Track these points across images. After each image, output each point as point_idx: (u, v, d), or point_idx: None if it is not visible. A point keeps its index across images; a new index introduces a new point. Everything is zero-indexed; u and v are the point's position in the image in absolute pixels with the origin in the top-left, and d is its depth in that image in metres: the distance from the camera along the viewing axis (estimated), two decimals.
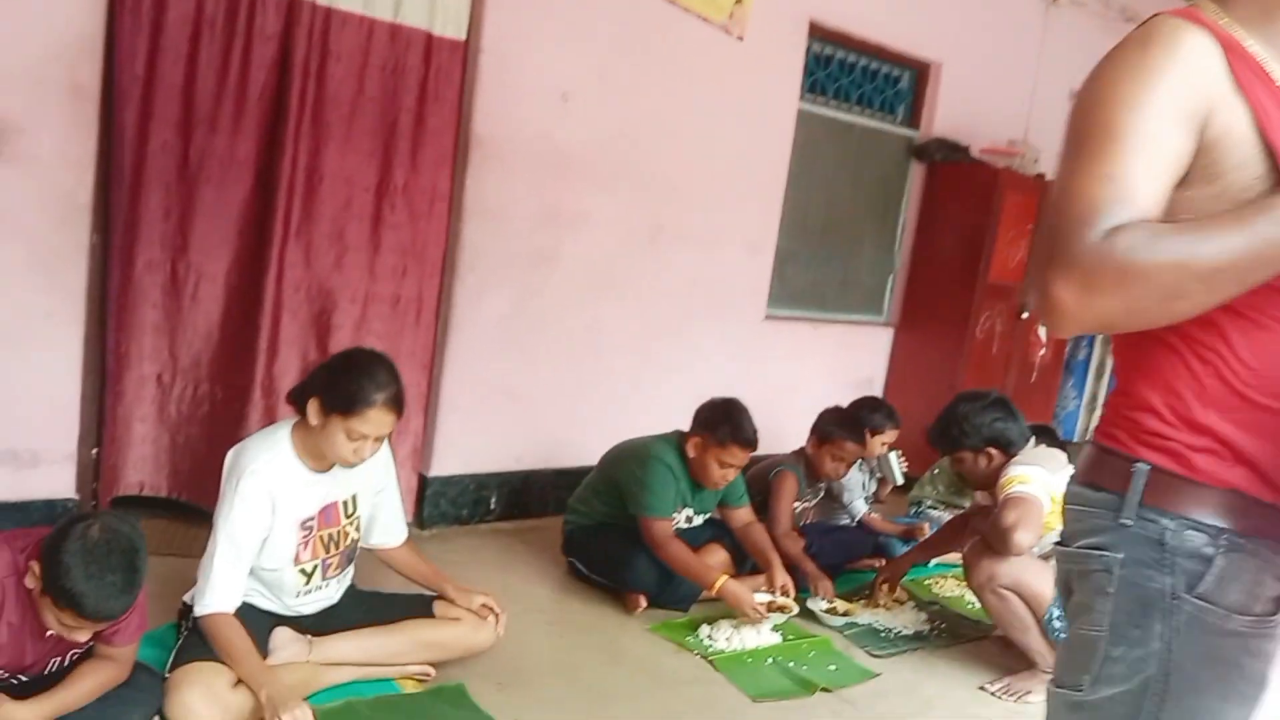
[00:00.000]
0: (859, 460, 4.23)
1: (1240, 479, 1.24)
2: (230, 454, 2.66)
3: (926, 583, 4.27)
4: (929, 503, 4.90)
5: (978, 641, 3.74)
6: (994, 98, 6.09)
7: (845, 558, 4.22)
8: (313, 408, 2.55)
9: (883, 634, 3.67)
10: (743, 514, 3.78)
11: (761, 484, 3.99)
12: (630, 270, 4.63)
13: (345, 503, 2.79)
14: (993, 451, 3.44)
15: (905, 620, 3.79)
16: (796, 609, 3.50)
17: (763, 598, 3.45)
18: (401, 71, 3.79)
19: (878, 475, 4.53)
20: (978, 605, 3.84)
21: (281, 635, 2.69)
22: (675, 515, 3.63)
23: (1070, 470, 3.34)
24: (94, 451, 3.51)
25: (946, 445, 3.53)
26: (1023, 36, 6.17)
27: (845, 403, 4.37)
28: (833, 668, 3.33)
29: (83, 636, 2.12)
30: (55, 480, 3.35)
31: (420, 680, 2.87)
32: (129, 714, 2.35)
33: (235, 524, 2.54)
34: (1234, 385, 1.23)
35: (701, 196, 4.80)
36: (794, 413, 4.62)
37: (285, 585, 2.71)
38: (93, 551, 2.00)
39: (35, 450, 3.28)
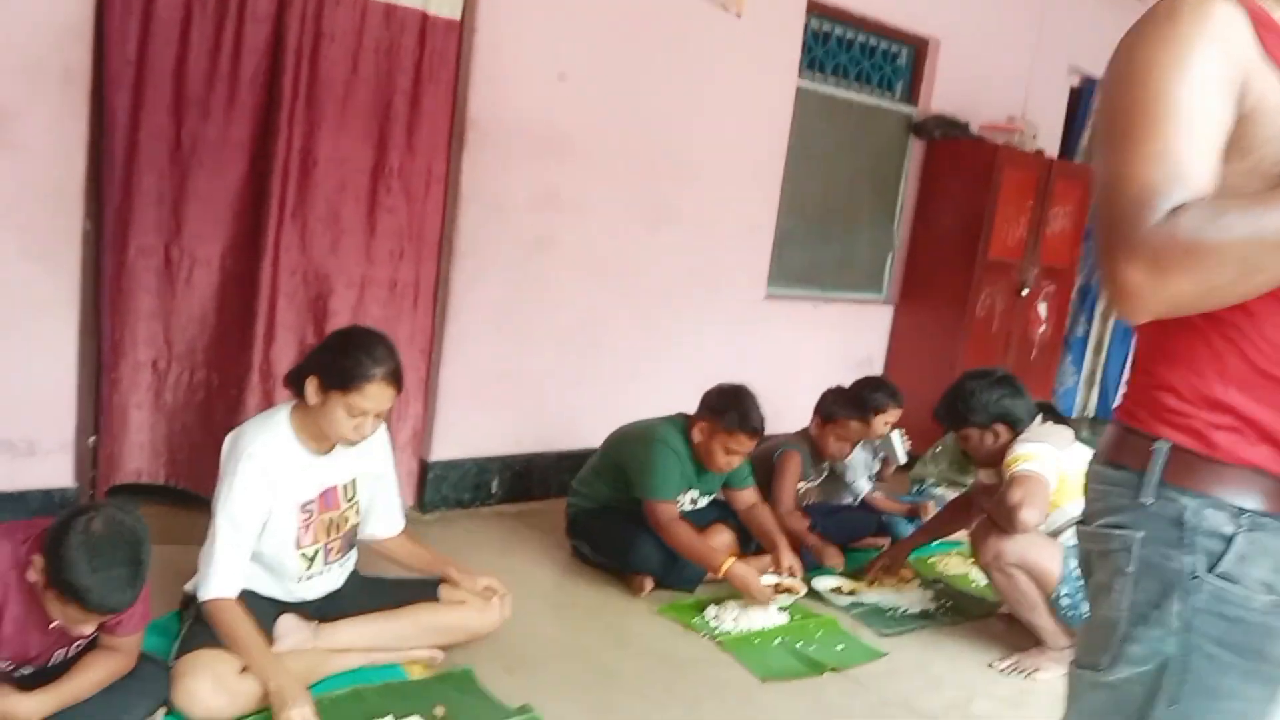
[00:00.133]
0: (862, 440, 4.20)
1: (1262, 458, 1.23)
2: (228, 438, 2.64)
3: (931, 561, 4.26)
4: (931, 481, 4.89)
5: (984, 619, 3.74)
6: (993, 74, 6.06)
7: (849, 537, 4.20)
8: (311, 386, 2.53)
9: (889, 613, 3.66)
10: (748, 495, 3.76)
11: (765, 465, 3.97)
12: (629, 252, 4.59)
13: (345, 486, 2.76)
14: (999, 428, 3.41)
15: (911, 599, 3.77)
16: (804, 590, 3.49)
17: (770, 580, 3.44)
18: (396, 52, 3.74)
19: (881, 455, 4.51)
20: (983, 583, 3.85)
21: (286, 622, 2.67)
22: (680, 498, 3.61)
23: (1077, 446, 3.36)
24: (91, 440, 3.47)
25: (953, 422, 3.50)
26: (1021, 12, 6.13)
27: (845, 381, 4.34)
28: (840, 648, 3.32)
29: (88, 629, 2.10)
30: (53, 470, 3.31)
31: (427, 665, 2.85)
32: (136, 704, 2.33)
33: (235, 506, 2.51)
34: (1257, 363, 1.21)
35: (700, 176, 4.76)
36: (795, 392, 4.60)
37: (287, 570, 2.68)
38: (97, 544, 1.98)
39: (32, 440, 3.25)
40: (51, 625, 2.09)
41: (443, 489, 4.22)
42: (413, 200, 3.89)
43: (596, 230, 4.44)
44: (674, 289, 4.80)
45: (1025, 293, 6.01)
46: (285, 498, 2.61)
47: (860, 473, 4.41)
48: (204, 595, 2.50)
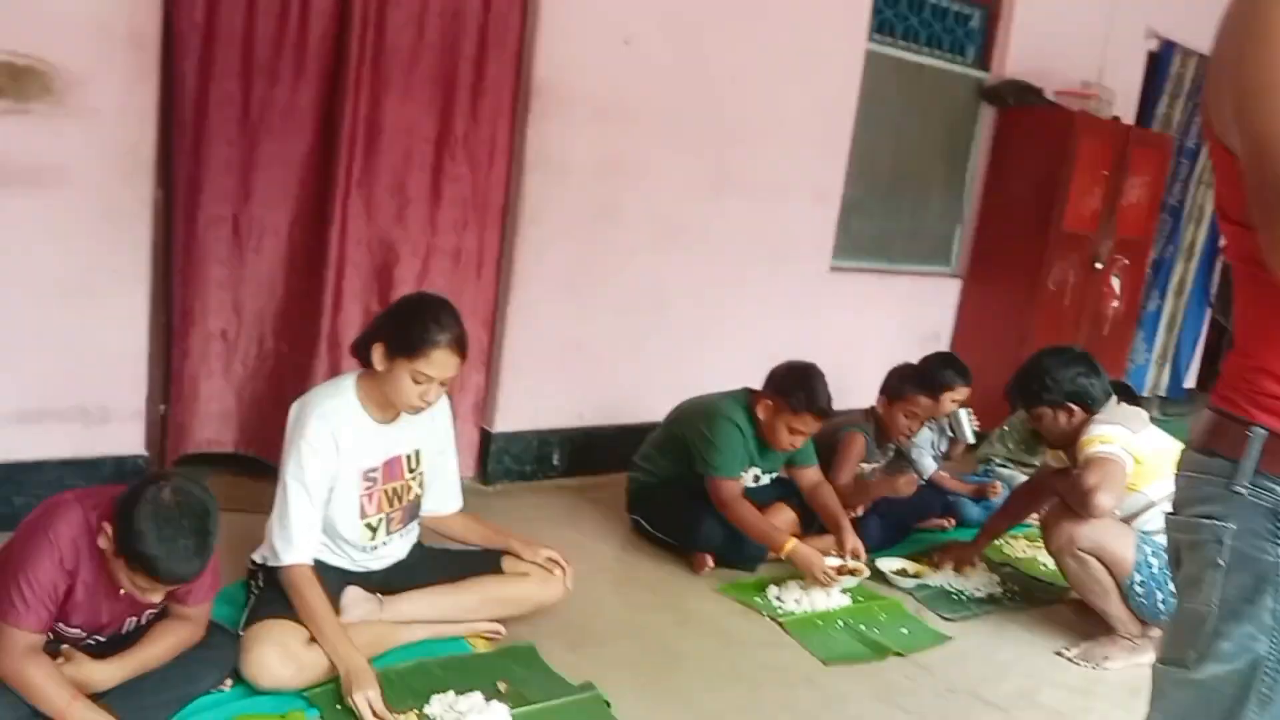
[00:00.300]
0: (930, 418, 4.12)
1: None
2: (295, 406, 2.65)
3: (998, 543, 4.17)
4: (998, 461, 4.80)
5: (1052, 604, 3.66)
6: (1068, 37, 5.86)
7: (914, 517, 4.14)
8: (378, 353, 2.53)
9: (954, 596, 3.59)
10: (811, 474, 3.70)
11: (828, 445, 3.90)
12: (693, 221, 4.53)
13: (409, 457, 2.76)
14: (1074, 408, 3.32)
15: (977, 582, 3.70)
16: (867, 573, 3.44)
17: (833, 562, 3.39)
18: (461, 17, 3.70)
19: (948, 434, 4.42)
20: (1050, 567, 3.76)
21: (353, 594, 2.69)
22: (743, 475, 3.57)
23: (1152, 429, 3.26)
24: (161, 408, 3.52)
25: (1026, 400, 3.41)
26: None
27: (911, 357, 4.26)
28: (905, 631, 3.27)
29: (156, 598, 2.12)
30: (124, 437, 3.35)
31: (491, 639, 2.85)
32: (204, 673, 2.36)
33: (305, 469, 2.53)
34: None
35: (766, 143, 4.67)
36: (858, 367, 4.53)
37: (351, 540, 2.69)
38: (165, 515, 1.99)
39: (105, 406, 3.29)
40: (121, 591, 2.11)
41: (505, 461, 4.22)
42: (477, 168, 3.86)
43: (661, 198, 4.39)
44: (738, 259, 4.73)
45: (1099, 266, 5.84)
46: (350, 464, 2.61)
47: (925, 451, 4.33)
48: (283, 561, 2.51)
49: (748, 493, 3.57)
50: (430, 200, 3.79)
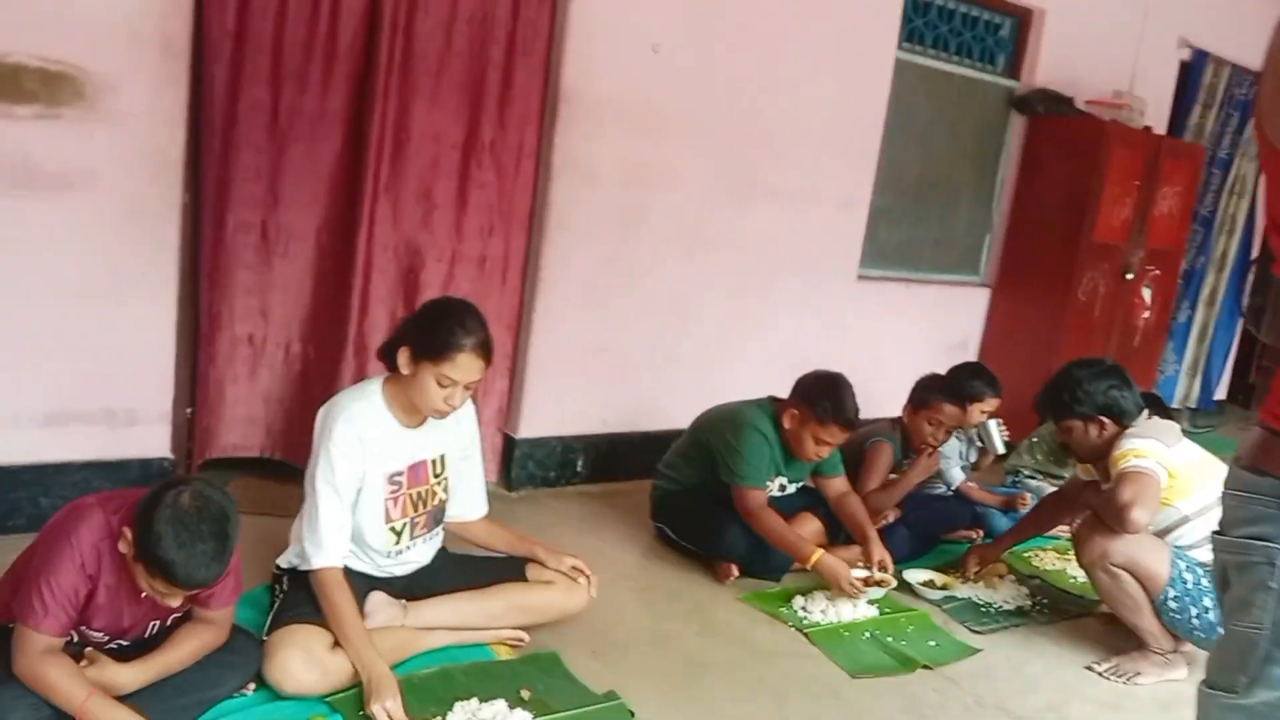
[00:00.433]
0: (957, 428, 4.07)
1: None
2: (322, 410, 2.64)
3: (1027, 555, 4.13)
4: (1027, 472, 4.74)
5: (1081, 618, 3.61)
6: (1099, 46, 5.81)
7: (942, 528, 4.10)
8: (403, 357, 2.53)
9: (983, 609, 3.55)
10: (838, 484, 3.66)
11: (855, 454, 3.87)
12: (720, 228, 4.51)
13: (434, 461, 2.76)
14: (1105, 421, 3.27)
15: (1006, 595, 3.66)
16: (894, 584, 3.40)
17: (860, 573, 3.35)
18: (490, 24, 3.70)
19: (977, 444, 4.37)
20: (1080, 579, 3.71)
21: (377, 599, 2.68)
22: (769, 484, 3.54)
23: (1185, 442, 3.21)
24: (188, 412, 3.53)
25: (1056, 413, 3.36)
26: None
27: (938, 366, 4.22)
28: (933, 644, 3.23)
29: (175, 602, 2.12)
30: (150, 440, 3.37)
31: (514, 647, 2.84)
32: (228, 677, 2.36)
33: (335, 471, 2.52)
34: None
35: (794, 151, 4.65)
36: (885, 376, 4.50)
37: (375, 545, 2.69)
38: (184, 519, 1.99)
39: (132, 409, 3.30)
40: (143, 596, 2.11)
41: (529, 467, 4.21)
42: (504, 175, 3.86)
43: (688, 206, 4.37)
44: (764, 267, 4.71)
45: (1130, 277, 5.77)
46: (375, 467, 2.61)
47: (953, 461, 4.28)
48: (314, 564, 2.50)
49: (773, 502, 3.54)
50: (457, 206, 3.79)
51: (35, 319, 3.09)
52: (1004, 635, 3.40)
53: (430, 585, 2.80)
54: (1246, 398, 8.14)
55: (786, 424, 3.48)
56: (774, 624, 3.26)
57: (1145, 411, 3.32)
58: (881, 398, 4.25)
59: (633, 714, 2.58)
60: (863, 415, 3.52)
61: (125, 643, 2.24)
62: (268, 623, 2.57)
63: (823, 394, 3.40)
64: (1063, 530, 4.06)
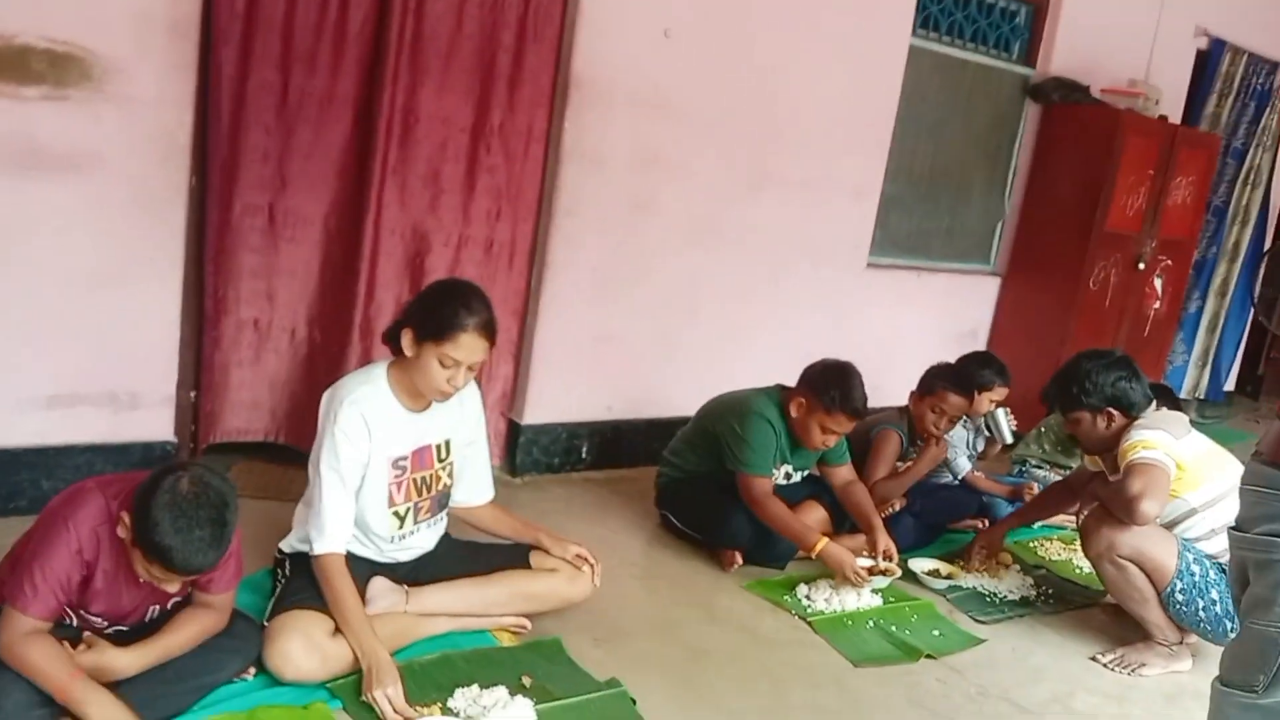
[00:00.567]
0: (964, 417, 4.05)
1: None
2: (326, 394, 2.64)
3: (1032, 545, 4.11)
4: (1033, 462, 4.73)
5: (1086, 608, 3.60)
6: (1115, 35, 5.75)
7: (948, 517, 4.08)
8: (407, 339, 2.52)
9: (987, 599, 3.54)
10: (843, 472, 3.65)
11: (862, 442, 3.85)
12: (730, 216, 4.48)
13: (439, 446, 2.75)
14: (1113, 413, 3.25)
15: (1011, 585, 3.64)
16: (899, 573, 3.39)
17: (864, 563, 3.34)
18: (500, 8, 3.68)
19: (985, 433, 4.35)
20: (1086, 570, 3.70)
21: (379, 585, 2.67)
22: (774, 472, 3.52)
23: (1194, 434, 3.19)
24: (192, 395, 3.52)
25: (1064, 404, 3.34)
26: None
27: (948, 354, 4.20)
28: (937, 633, 3.22)
29: (173, 588, 2.12)
30: (154, 423, 3.36)
31: (516, 633, 2.84)
32: (228, 662, 2.35)
33: (339, 456, 2.51)
34: None
35: (805, 139, 4.61)
36: (894, 365, 4.47)
37: (379, 529, 2.68)
38: (181, 505, 1.98)
39: (135, 392, 3.30)
40: (142, 580, 2.11)
41: (533, 453, 4.20)
42: (512, 159, 3.85)
43: (697, 192, 4.35)
44: (773, 255, 4.68)
45: (1141, 267, 5.73)
46: (380, 451, 2.60)
47: (960, 450, 4.26)
48: (316, 550, 2.50)
49: (779, 490, 3.53)
50: (464, 190, 3.78)
51: (40, 301, 3.08)
52: (1009, 625, 3.39)
53: (433, 571, 2.80)
54: (1255, 389, 8.09)
55: (793, 412, 3.46)
56: (778, 612, 3.25)
57: (1154, 403, 3.30)
58: (891, 387, 4.23)
59: (634, 701, 2.57)
60: (872, 404, 3.50)
61: (125, 627, 2.24)
62: (269, 608, 2.57)
63: (830, 383, 3.38)
64: (1068, 520, 4.05)
